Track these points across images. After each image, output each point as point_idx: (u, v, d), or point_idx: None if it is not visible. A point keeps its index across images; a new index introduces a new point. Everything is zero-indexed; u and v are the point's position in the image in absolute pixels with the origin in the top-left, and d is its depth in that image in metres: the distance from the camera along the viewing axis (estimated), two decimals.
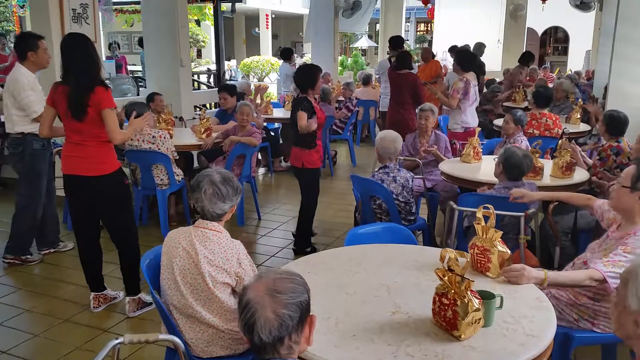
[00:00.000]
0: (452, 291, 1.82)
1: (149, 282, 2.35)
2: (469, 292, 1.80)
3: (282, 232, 5.15)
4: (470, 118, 5.64)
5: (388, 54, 7.41)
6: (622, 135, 4.17)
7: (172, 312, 2.30)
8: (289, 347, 1.37)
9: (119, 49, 12.10)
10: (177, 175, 4.94)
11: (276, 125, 8.23)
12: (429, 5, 14.46)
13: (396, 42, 7.10)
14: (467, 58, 5.82)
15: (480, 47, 10.28)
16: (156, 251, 2.44)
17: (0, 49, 8.42)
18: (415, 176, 4.08)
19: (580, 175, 3.93)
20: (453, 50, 9.60)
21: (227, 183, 2.33)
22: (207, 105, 9.52)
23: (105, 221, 3.49)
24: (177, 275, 2.27)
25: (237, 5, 13.66)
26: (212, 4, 10.93)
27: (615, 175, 3.90)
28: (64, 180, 3.36)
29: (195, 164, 6.12)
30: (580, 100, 6.85)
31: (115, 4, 11.02)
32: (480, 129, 5.37)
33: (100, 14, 6.14)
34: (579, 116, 6.41)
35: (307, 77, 4.35)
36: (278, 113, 7.81)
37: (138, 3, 12.56)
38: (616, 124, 4.15)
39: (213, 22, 13.27)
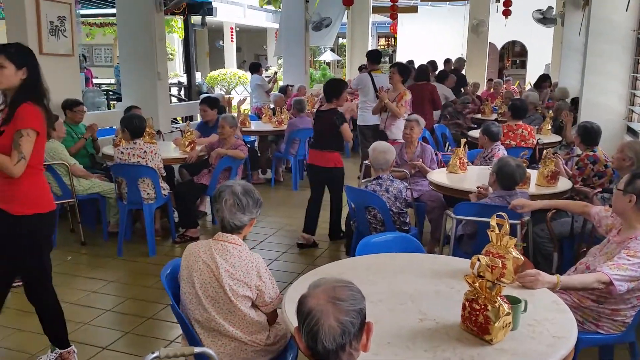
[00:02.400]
0: (483, 297, 1.89)
1: (170, 295, 2.33)
2: (499, 298, 1.88)
3: (269, 244, 5.15)
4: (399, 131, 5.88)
5: (365, 68, 7.54)
6: (597, 145, 4.38)
7: (195, 327, 2.29)
8: (350, 354, 1.40)
9: (86, 61, 11.87)
10: (164, 189, 4.89)
11: (252, 137, 8.23)
12: (393, 20, 14.74)
13: (375, 56, 7.25)
14: (408, 71, 6.30)
15: (460, 61, 10.62)
16: (174, 263, 2.43)
17: None
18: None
19: (563, 184, 4.10)
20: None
21: (248, 194, 2.35)
22: (179, 119, 9.46)
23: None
24: (198, 289, 2.26)
25: None
26: (182, 17, 10.90)
27: (594, 183, 4.11)
28: None
29: (176, 177, 6.06)
30: (551, 112, 7.13)
31: (81, 16, 10.82)
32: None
33: (79, 27, 6.03)
34: (549, 127, 6.67)
35: (334, 88, 5.00)
36: (255, 126, 7.82)
37: (103, 16, 12.42)
38: (590, 134, 4.37)
39: (182, 35, 13.24)
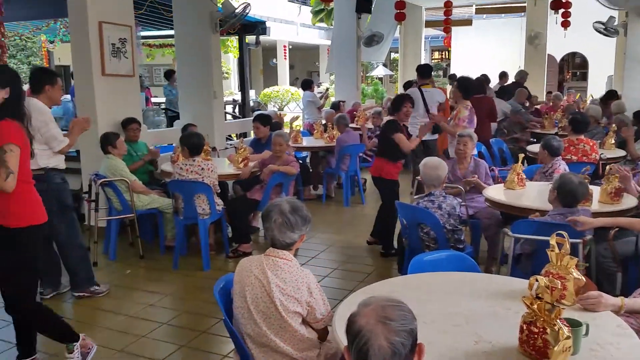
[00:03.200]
0: (542, 319, 1.81)
1: (223, 310, 2.36)
2: (558, 320, 1.79)
3: (320, 261, 5.15)
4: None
5: (416, 82, 7.48)
6: None
7: (246, 342, 2.31)
8: None
9: (146, 81, 12.35)
10: (218, 205, 4.99)
11: (304, 153, 8.30)
12: (446, 34, 14.61)
13: (425, 71, 7.19)
14: (470, 86, 5.99)
15: (522, 73, 10.38)
16: (227, 278, 2.46)
17: None
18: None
19: (628, 201, 3.90)
20: (452, 78, 9.72)
21: (296, 213, 2.36)
22: (233, 136, 9.67)
23: None
24: (250, 304, 2.28)
25: None
26: (237, 37, 11.19)
27: None
28: None
29: (230, 193, 6.17)
30: (614, 125, 6.83)
31: (142, 38, 11.28)
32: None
33: (140, 48, 6.30)
34: (612, 141, 6.39)
35: (394, 102, 5.34)
36: (307, 141, 7.89)
37: (162, 37, 12.90)
38: None
39: (237, 54, 13.58)
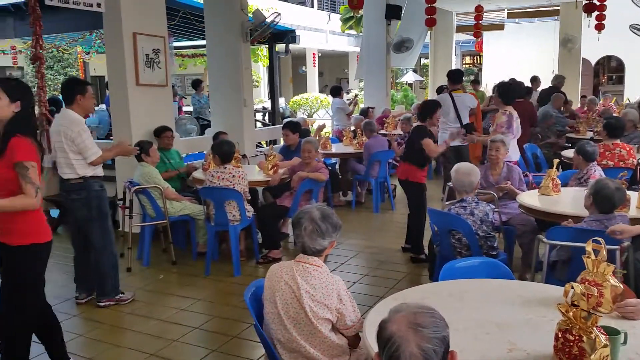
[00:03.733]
0: (577, 327, 1.76)
1: (253, 315, 2.38)
2: (595, 328, 1.75)
3: (350, 267, 5.13)
4: (513, 152, 5.48)
5: (447, 88, 7.41)
6: None
7: (277, 347, 2.32)
8: None
9: (180, 91, 12.57)
10: (248, 211, 5.03)
11: (333, 160, 8.31)
12: (477, 39, 14.47)
13: (456, 76, 7.11)
14: (510, 91, 5.81)
15: (559, 78, 10.18)
16: (257, 284, 2.48)
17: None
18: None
19: None
20: (475, 83, 9.58)
21: (327, 220, 2.36)
22: (263, 143, 9.75)
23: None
24: (280, 309, 2.29)
25: None
26: (267, 45, 11.30)
27: None
28: None
29: (260, 200, 6.22)
30: None
31: (174, 48, 11.50)
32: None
33: (173, 59, 6.42)
34: None
35: (427, 108, 5.32)
36: (336, 148, 7.90)
37: (194, 47, 13.12)
38: None
39: (267, 63, 13.72)
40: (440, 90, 9.50)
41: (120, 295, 4.30)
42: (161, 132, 5.82)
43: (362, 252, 5.55)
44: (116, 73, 5.72)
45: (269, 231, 5.32)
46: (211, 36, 7.59)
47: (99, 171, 4.15)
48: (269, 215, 5.35)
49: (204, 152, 6.88)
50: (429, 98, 14.49)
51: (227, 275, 4.91)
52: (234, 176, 4.84)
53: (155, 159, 5.27)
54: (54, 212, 6.66)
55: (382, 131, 9.12)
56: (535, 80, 10.43)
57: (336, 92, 9.81)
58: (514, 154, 5.60)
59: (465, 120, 6.88)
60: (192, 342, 3.66)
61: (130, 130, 5.62)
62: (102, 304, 4.23)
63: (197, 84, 10.88)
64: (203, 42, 8.75)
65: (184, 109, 12.29)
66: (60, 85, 11.35)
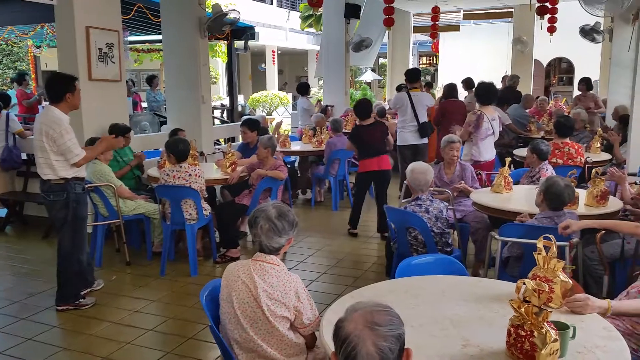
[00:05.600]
0: (529, 322, 1.80)
1: (209, 316, 2.34)
2: (545, 324, 1.79)
3: (308, 265, 5.12)
4: (483, 151, 5.64)
5: (405, 87, 7.49)
6: None
7: (233, 347, 2.29)
8: None
9: (134, 86, 12.27)
10: (205, 210, 4.96)
11: (292, 158, 8.29)
12: (434, 39, 14.69)
13: (414, 75, 7.20)
14: (490, 92, 5.91)
15: (514, 78, 10.42)
16: (214, 284, 2.44)
17: (25, 86, 8.56)
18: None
19: (614, 203, 3.93)
20: (466, 82, 9.75)
21: (283, 218, 2.34)
22: (221, 140, 9.63)
23: None
24: (237, 309, 2.26)
25: None
26: (225, 41, 11.16)
27: None
28: None
29: (218, 198, 6.14)
30: (599, 129, 6.89)
31: (129, 42, 11.21)
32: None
33: (127, 53, 6.26)
34: (598, 145, 6.45)
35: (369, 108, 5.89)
36: (295, 146, 7.87)
37: (150, 42, 12.84)
38: None
39: (225, 59, 13.56)
40: (399, 88, 9.62)
41: (81, 300, 4.16)
42: (125, 132, 5.65)
43: (320, 250, 5.55)
44: (68, 68, 5.52)
45: (227, 230, 5.25)
46: (167, 31, 7.44)
47: (81, 172, 4.02)
48: (227, 214, 5.28)
49: (160, 149, 6.74)
50: (386, 97, 14.67)
51: (183, 275, 4.82)
52: (190, 175, 4.76)
53: (108, 156, 5.12)
54: (2, 212, 6.40)
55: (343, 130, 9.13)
56: (513, 78, 10.67)
57: (304, 90, 9.71)
58: (486, 153, 5.70)
59: (423, 118, 6.98)
60: (146, 345, 3.57)
61: (82, 127, 5.45)
62: (60, 309, 4.09)
63: (151, 80, 10.67)
64: (159, 37, 8.55)
65: (142, 105, 12.02)
66: (9, 80, 10.93)
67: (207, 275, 4.81)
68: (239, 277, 2.29)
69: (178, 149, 4.79)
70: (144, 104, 12.09)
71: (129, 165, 5.68)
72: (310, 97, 9.78)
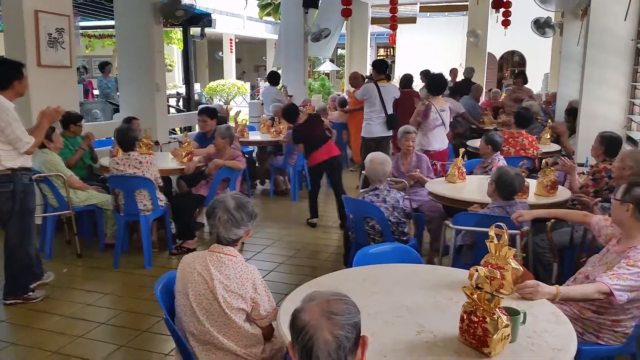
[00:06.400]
0: (481, 308, 1.85)
1: (164, 309, 2.29)
2: (497, 309, 1.84)
3: (266, 256, 5.11)
4: (432, 141, 5.76)
5: (371, 78, 7.49)
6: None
7: (189, 340, 2.26)
8: None
9: (86, 73, 11.89)
10: (161, 200, 4.86)
11: (250, 148, 8.21)
12: (393, 31, 14.80)
13: (381, 66, 7.21)
14: (440, 83, 6.06)
15: (469, 70, 10.62)
16: (169, 276, 2.40)
17: None
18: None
19: (563, 193, 4.07)
20: (423, 74, 9.88)
21: (241, 209, 2.31)
22: (177, 130, 9.46)
23: None
24: (192, 301, 2.23)
25: None
26: (181, 28, 10.93)
27: (603, 196, 4.02)
28: None
29: (174, 188, 6.03)
30: (549, 121, 7.11)
31: (81, 28, 10.86)
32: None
33: (79, 39, 6.05)
34: (548, 136, 6.66)
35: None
36: (254, 136, 7.81)
37: (102, 28, 12.45)
38: (617, 146, 4.12)
39: (181, 46, 13.28)
40: (369, 78, 9.60)
41: (30, 293, 4.01)
42: (77, 121, 5.46)
43: (279, 241, 5.54)
44: (15, 53, 5.27)
45: (183, 221, 5.17)
46: (120, 16, 7.22)
47: (28, 162, 3.86)
48: (183, 205, 5.20)
49: (112, 138, 6.55)
50: (344, 88, 14.70)
51: (137, 267, 4.72)
52: (140, 162, 4.64)
53: (59, 144, 4.95)
54: None
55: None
56: (453, 71, 10.85)
57: (275, 79, 9.56)
58: (436, 142, 5.80)
59: (390, 110, 7.01)
60: (99, 338, 3.49)
61: (30, 115, 5.23)
62: (8, 302, 3.94)
63: (104, 67, 10.36)
64: (112, 23, 8.29)
65: (94, 92, 11.68)
66: None
67: (162, 267, 4.72)
68: (195, 268, 2.25)
69: (122, 138, 4.68)
70: (96, 92, 11.75)
71: (81, 148, 5.50)
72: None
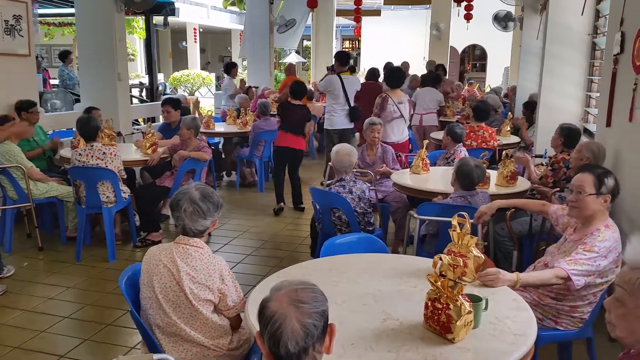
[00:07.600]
0: (445, 295, 1.90)
1: (129, 301, 2.27)
2: (460, 296, 1.90)
3: (234, 247, 5.10)
4: (390, 133, 5.94)
5: (334, 70, 7.49)
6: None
7: (155, 332, 2.25)
8: (313, 357, 1.38)
9: (44, 62, 11.52)
10: (124, 192, 4.78)
11: (216, 139, 8.14)
12: (357, 23, 14.84)
13: (344, 58, 7.22)
14: (393, 76, 6.28)
15: (431, 63, 10.79)
16: (134, 268, 2.38)
17: None
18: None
19: (522, 183, 4.19)
20: (385, 67, 9.96)
21: (207, 199, 2.30)
22: (140, 120, 9.29)
23: None
24: (158, 294, 2.22)
25: None
26: (143, 17, 10.70)
27: (561, 186, 4.15)
28: None
29: (138, 180, 5.94)
30: (510, 114, 7.29)
31: (39, 15, 10.51)
32: None
33: (37, 27, 5.88)
34: (508, 129, 6.82)
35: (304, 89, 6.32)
36: (219, 127, 7.74)
37: (62, 16, 12.07)
38: (575, 138, 4.23)
39: (143, 35, 13.01)
40: (331, 68, 9.60)
41: None
42: (29, 107, 5.30)
43: (246, 232, 5.53)
44: None
45: (147, 213, 5.10)
46: (81, 4, 7.03)
47: None
48: (147, 197, 5.13)
49: (73, 129, 6.40)
50: (311, 80, 14.69)
51: (100, 260, 4.65)
52: (104, 153, 4.56)
53: (34, 120, 4.81)
54: None
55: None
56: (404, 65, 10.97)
57: (228, 69, 9.48)
58: (394, 134, 5.92)
59: (352, 102, 7.04)
60: (62, 332, 3.43)
61: None
62: None
63: (65, 56, 10.07)
64: (72, 10, 8.07)
65: (51, 82, 11.32)
66: None
67: (126, 260, 4.66)
68: (161, 260, 2.24)
69: (85, 128, 4.58)
70: (54, 81, 11.41)
71: (42, 148, 5.36)
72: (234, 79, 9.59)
